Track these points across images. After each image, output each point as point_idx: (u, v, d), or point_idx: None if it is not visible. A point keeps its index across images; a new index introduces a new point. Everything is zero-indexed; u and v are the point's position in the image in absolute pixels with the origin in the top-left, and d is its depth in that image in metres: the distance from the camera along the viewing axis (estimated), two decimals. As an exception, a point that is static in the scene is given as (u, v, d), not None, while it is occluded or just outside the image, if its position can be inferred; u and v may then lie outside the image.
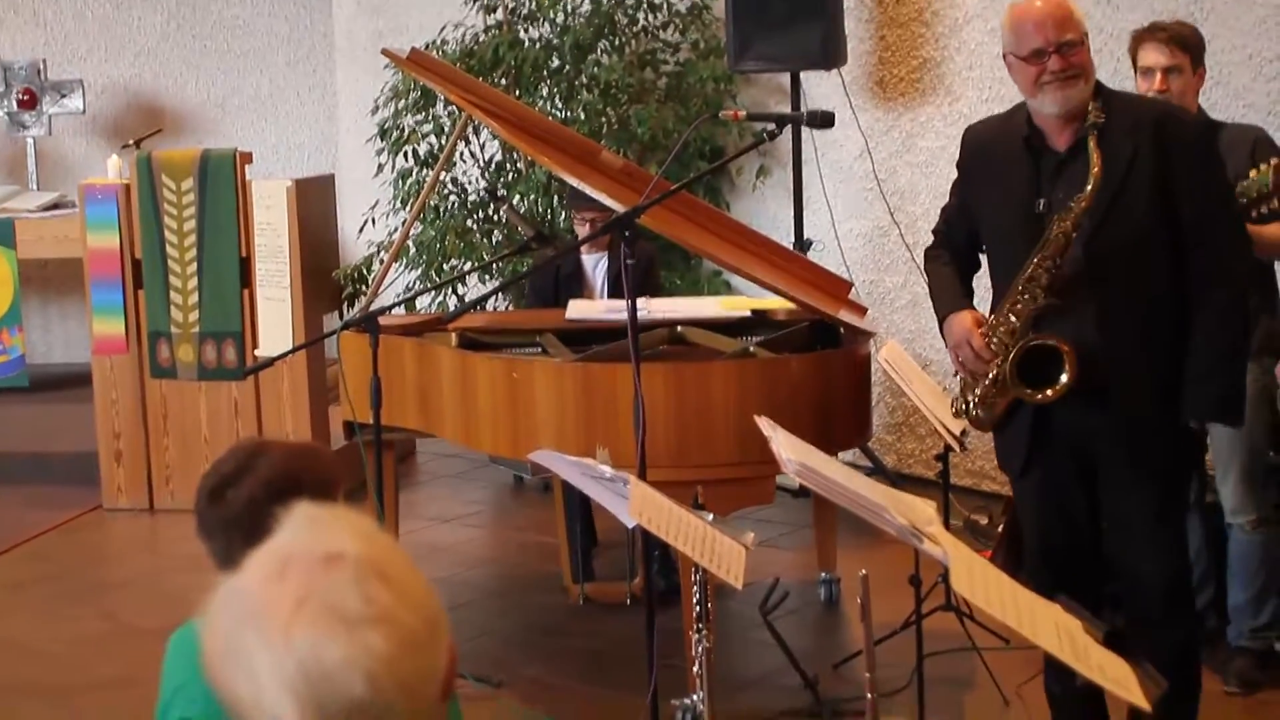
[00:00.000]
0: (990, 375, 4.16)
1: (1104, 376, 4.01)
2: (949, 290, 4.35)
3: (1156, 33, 4.88)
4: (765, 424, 3.55)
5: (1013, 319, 4.06)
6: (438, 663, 1.54)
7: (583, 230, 6.21)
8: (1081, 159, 3.96)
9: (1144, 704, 2.46)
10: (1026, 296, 4.03)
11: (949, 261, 4.39)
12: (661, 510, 3.77)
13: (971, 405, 4.28)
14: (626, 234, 4.30)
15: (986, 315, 4.18)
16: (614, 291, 6.29)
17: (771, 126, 4.27)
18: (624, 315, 5.47)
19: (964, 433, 4.98)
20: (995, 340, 4.10)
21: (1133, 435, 4.04)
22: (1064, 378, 4.00)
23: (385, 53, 5.52)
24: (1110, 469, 4.11)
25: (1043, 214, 4.02)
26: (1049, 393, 4.04)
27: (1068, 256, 3.99)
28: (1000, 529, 6.24)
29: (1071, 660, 2.46)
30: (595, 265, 6.36)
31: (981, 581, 2.54)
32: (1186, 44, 4.89)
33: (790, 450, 3.18)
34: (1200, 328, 3.97)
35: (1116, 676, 2.48)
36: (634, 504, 3.74)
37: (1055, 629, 2.51)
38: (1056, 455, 4.16)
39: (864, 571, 3.45)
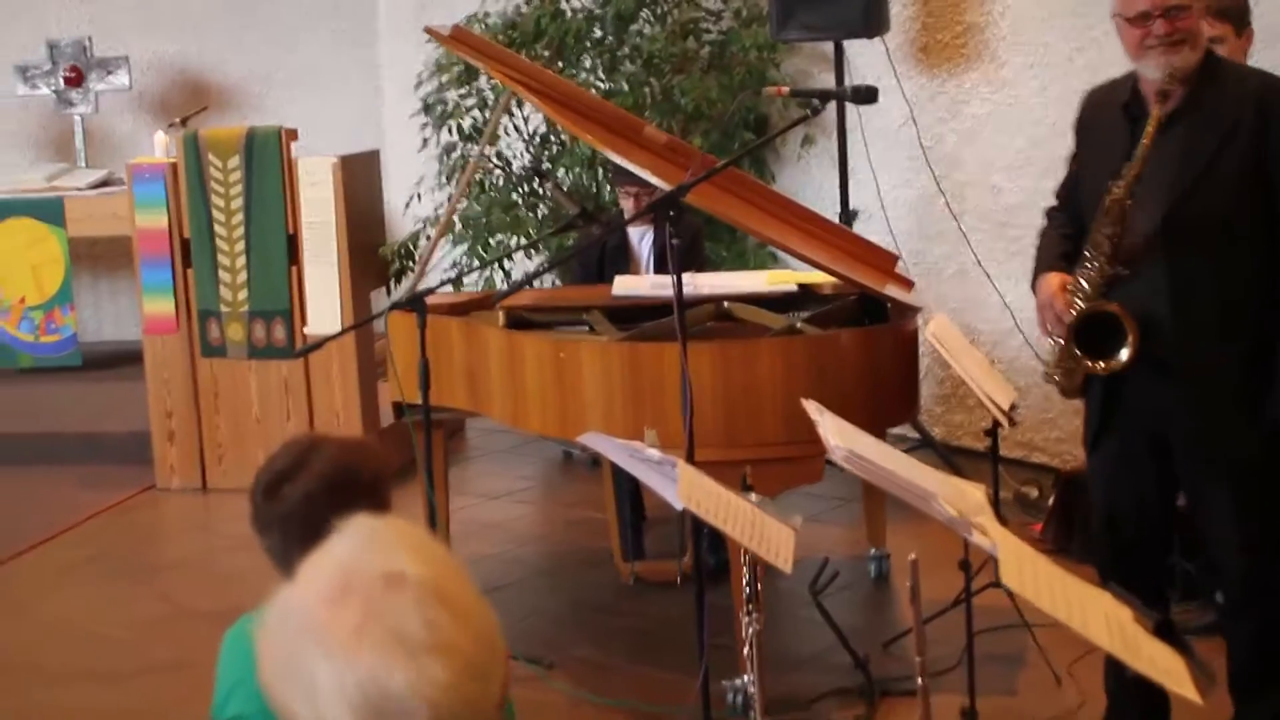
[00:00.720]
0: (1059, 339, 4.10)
1: (1173, 353, 3.94)
2: (1048, 253, 4.26)
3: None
4: (813, 408, 3.53)
5: (1085, 285, 4.00)
6: (495, 686, 1.55)
7: (627, 204, 6.19)
8: (1176, 128, 3.89)
9: (1195, 696, 2.44)
10: (1093, 265, 3.97)
11: (1061, 225, 4.30)
12: (709, 494, 3.77)
13: (1054, 369, 4.21)
14: (671, 213, 4.28)
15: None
16: (660, 265, 6.27)
17: (815, 103, 4.23)
18: (670, 291, 5.48)
19: (1014, 407, 4.94)
20: (1075, 305, 4.03)
21: (1206, 424, 3.97)
22: (1125, 351, 3.94)
23: (428, 30, 5.50)
24: (1185, 452, 4.04)
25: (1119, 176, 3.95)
26: (1103, 364, 3.99)
27: (1131, 225, 3.93)
28: (1051, 502, 6.22)
29: (1122, 653, 2.44)
30: (641, 238, 6.34)
31: (1031, 574, 2.52)
32: (1224, 12, 4.77)
33: (838, 436, 3.17)
34: None
35: (1168, 668, 2.46)
36: (682, 488, 3.74)
37: (1105, 621, 2.50)
38: (1128, 429, 4.10)
39: (913, 556, 3.43)
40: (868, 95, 4.30)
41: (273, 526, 2.68)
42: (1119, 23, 3.99)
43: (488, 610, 1.59)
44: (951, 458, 6.89)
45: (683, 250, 5.73)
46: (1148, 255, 3.95)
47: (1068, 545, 6.07)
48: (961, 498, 3.10)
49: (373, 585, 1.51)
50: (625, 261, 6.31)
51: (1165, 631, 2.59)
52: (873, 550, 6.00)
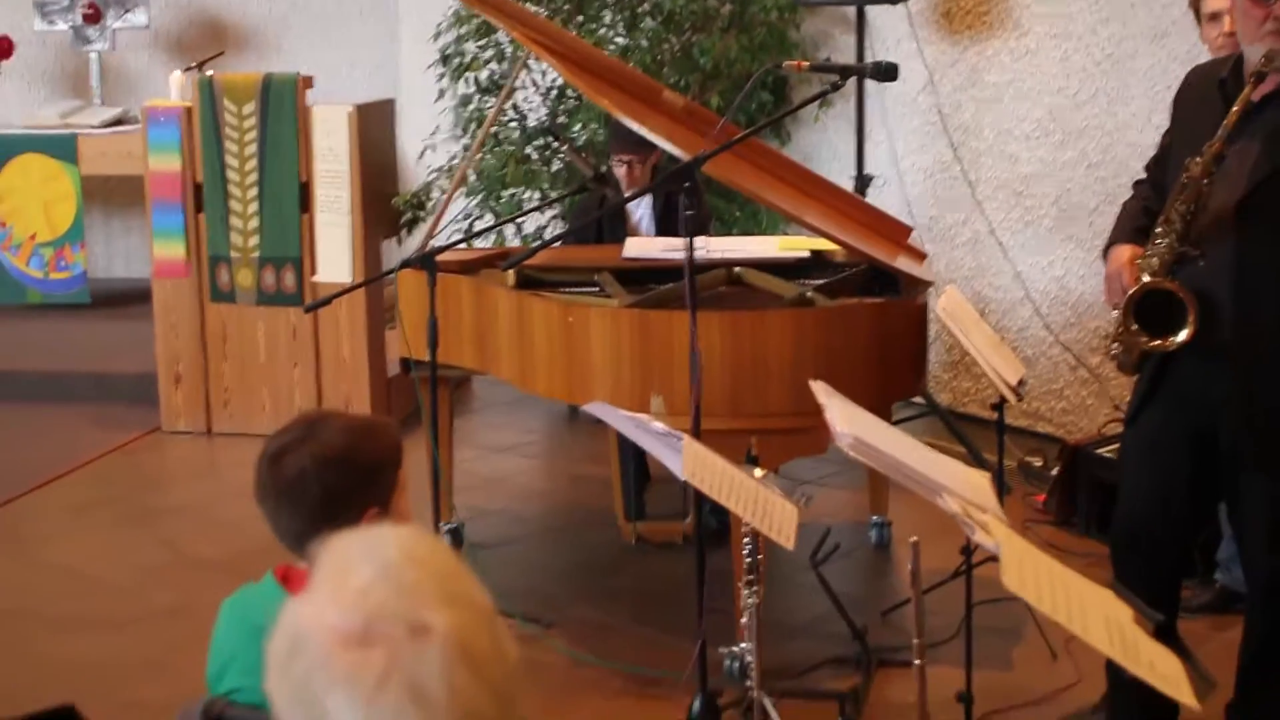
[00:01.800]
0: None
1: (1230, 339, 3.87)
2: (1123, 224, 4.18)
3: None
4: (821, 390, 3.52)
5: (1154, 260, 3.94)
6: None
7: (620, 171, 6.16)
8: (1270, 111, 3.81)
9: (1193, 702, 2.44)
10: (1163, 241, 3.91)
11: (1145, 196, 4.21)
12: (714, 469, 3.77)
13: (1113, 341, 4.14)
14: (686, 184, 4.26)
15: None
16: (660, 229, 6.25)
17: (836, 79, 4.20)
18: (681, 254, 5.46)
19: (1022, 383, 4.93)
20: (1143, 278, 3.96)
21: (1254, 414, 3.89)
22: (1184, 332, 3.87)
23: (445, -12, 5.47)
24: (1232, 441, 3.95)
25: (1219, 160, 3.84)
26: (1159, 342, 3.93)
27: (1206, 205, 3.87)
28: (1055, 473, 6.22)
29: (1121, 657, 2.44)
30: (637, 203, 6.31)
31: (1032, 575, 2.52)
32: None
33: (844, 422, 3.16)
34: None
35: (1166, 673, 2.46)
36: (686, 463, 3.74)
37: (1105, 623, 2.49)
38: (1172, 412, 4.03)
39: (915, 538, 3.43)
40: (887, 72, 4.26)
41: (268, 499, 2.68)
42: (1239, 1, 3.87)
43: (508, 651, 1.57)
44: (957, 425, 6.88)
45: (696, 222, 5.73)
46: (1218, 237, 3.86)
47: (1070, 517, 6.08)
48: (966, 485, 3.10)
49: (397, 635, 1.49)
50: (623, 226, 6.28)
51: (1166, 635, 2.59)
52: (874, 517, 6.01)
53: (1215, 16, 4.69)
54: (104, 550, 6.13)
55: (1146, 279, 3.92)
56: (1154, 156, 4.31)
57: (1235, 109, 3.77)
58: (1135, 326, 3.91)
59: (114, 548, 6.16)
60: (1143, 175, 4.32)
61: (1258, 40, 3.80)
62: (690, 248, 4.26)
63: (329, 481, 2.63)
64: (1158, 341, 3.90)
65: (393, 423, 2.88)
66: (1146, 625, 2.61)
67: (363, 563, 1.58)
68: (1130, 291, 3.93)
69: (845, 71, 4.29)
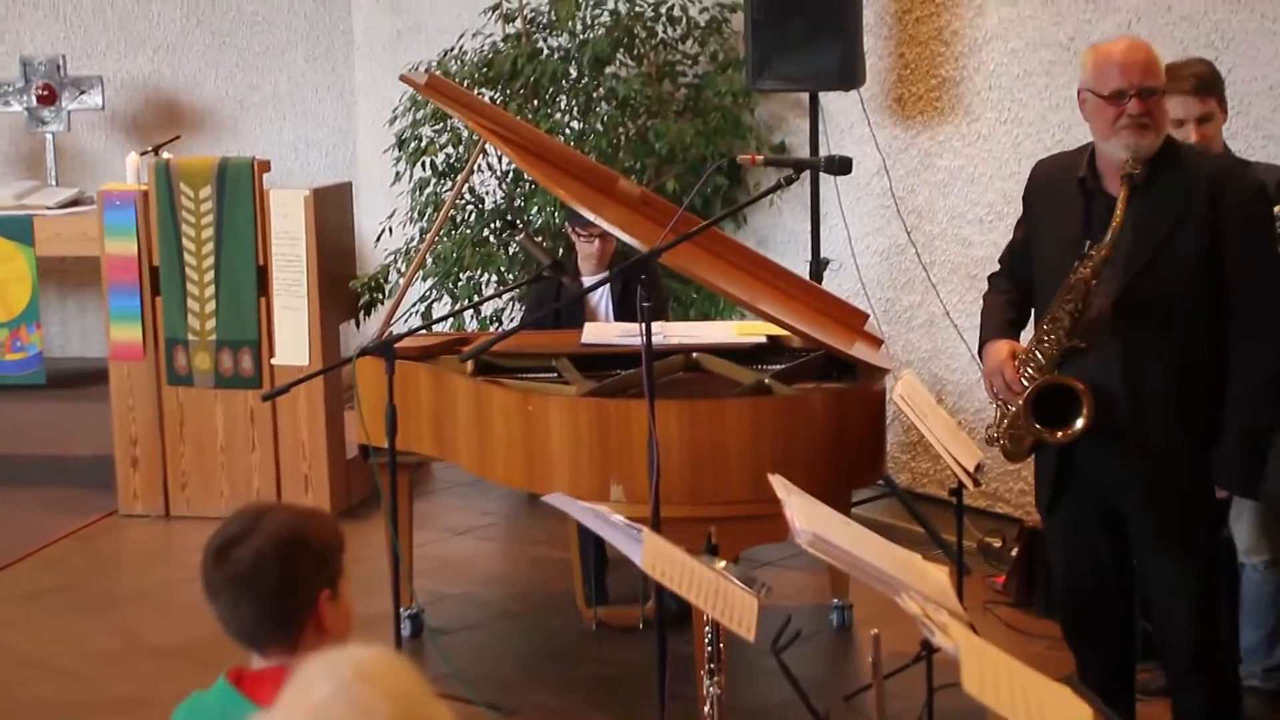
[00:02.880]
0: (1013, 408, 4.19)
1: (1125, 428, 4.02)
2: (994, 318, 4.39)
3: (1180, 81, 4.61)
4: (780, 485, 3.55)
5: (1039, 356, 4.08)
6: None
7: (587, 248, 6.19)
8: (1131, 207, 3.94)
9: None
10: (1051, 338, 4.06)
11: (1006, 290, 4.42)
12: (674, 562, 3.78)
13: (1001, 434, 4.30)
14: (643, 276, 4.30)
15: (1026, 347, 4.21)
16: (620, 314, 6.26)
17: (790, 173, 4.26)
18: (639, 340, 5.49)
19: (979, 468, 4.97)
20: (1027, 374, 4.12)
21: (1151, 498, 4.05)
22: (1079, 422, 4.03)
23: (404, 79, 5.52)
24: (1134, 524, 4.13)
25: (1085, 255, 4.02)
26: (1061, 434, 4.07)
27: (1091, 301, 4.00)
28: (1015, 553, 6.26)
29: (1081, 759, 2.46)
30: (598, 290, 6.31)
31: (992, 678, 2.54)
32: (1213, 86, 4.78)
33: (804, 518, 3.19)
34: (1234, 399, 3.99)
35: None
36: (647, 556, 3.75)
37: (1066, 725, 2.52)
38: (1082, 498, 4.20)
39: (875, 631, 3.45)
40: (841, 167, 4.33)
41: (222, 592, 2.67)
42: (1088, 98, 4.07)
43: None
44: (916, 506, 6.91)
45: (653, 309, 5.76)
46: (1103, 329, 4.02)
47: (1030, 598, 6.11)
48: (926, 582, 3.13)
49: None
50: (581, 312, 6.28)
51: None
52: (835, 600, 6.03)
53: (1178, 124, 4.71)
54: (60, 638, 6.09)
55: (1029, 376, 4.11)
56: (1007, 249, 4.50)
57: (1119, 210, 3.92)
58: (1036, 423, 4.05)
59: (71, 635, 6.11)
60: (995, 269, 4.49)
61: (1112, 136, 4.00)
62: (648, 338, 4.29)
63: (286, 564, 2.64)
64: (1058, 433, 4.03)
65: (327, 512, 2.92)
66: (1106, 725, 2.64)
67: (321, 681, 1.62)
68: (1023, 388, 4.10)
69: (799, 165, 4.36)
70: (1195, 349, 4.01)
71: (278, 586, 2.63)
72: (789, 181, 4.27)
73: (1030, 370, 4.12)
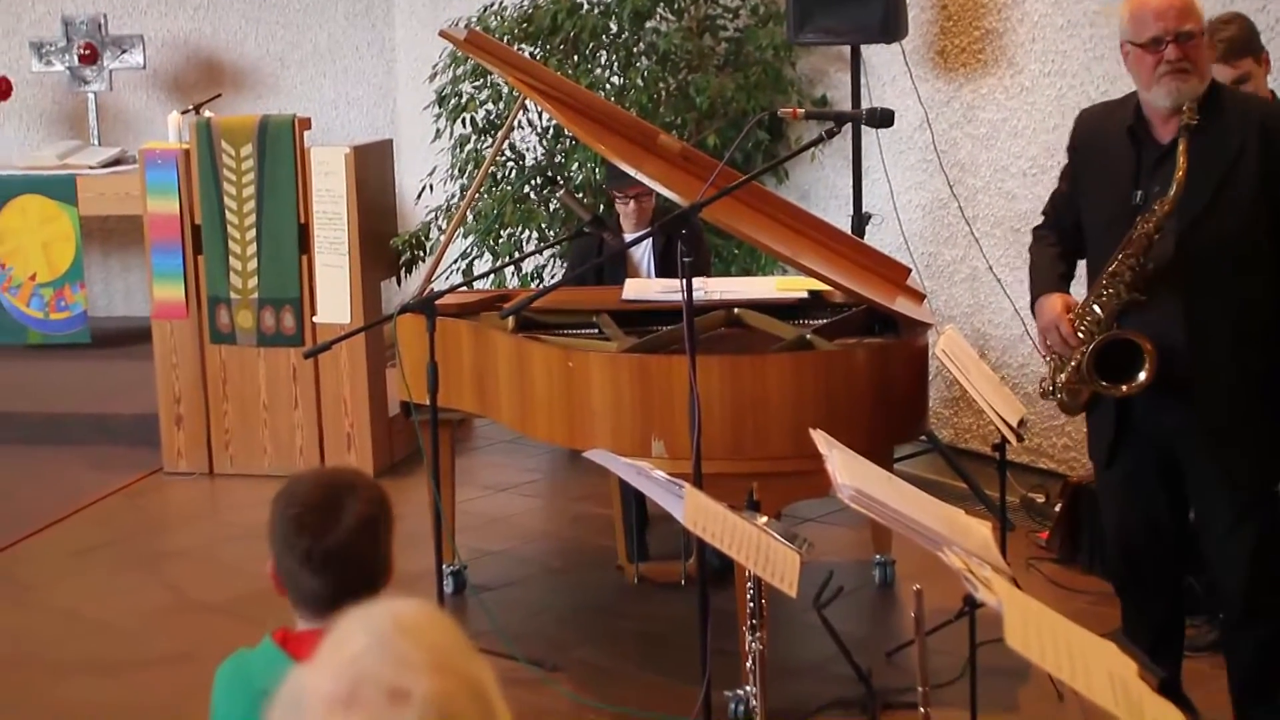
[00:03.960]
0: (1073, 363, 4.15)
1: (1187, 377, 4.00)
2: (1045, 272, 4.35)
3: (1209, 49, 4.51)
4: (821, 440, 3.54)
5: (1098, 310, 4.05)
6: None
7: (625, 209, 6.16)
8: (1175, 153, 3.91)
9: (1197, 758, 2.45)
10: (1110, 291, 4.03)
11: (1054, 243, 4.39)
12: (716, 518, 3.77)
13: (1058, 388, 4.27)
14: (684, 231, 4.28)
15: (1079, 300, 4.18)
16: (661, 270, 6.24)
17: (831, 126, 4.23)
18: (680, 296, 5.47)
19: (1022, 423, 4.94)
20: (1083, 328, 4.09)
21: (1214, 443, 4.03)
22: (1142, 375, 4.00)
23: (443, 34, 5.49)
24: (1194, 472, 4.11)
25: (1138, 206, 4.02)
26: (1125, 388, 4.04)
27: (1153, 254, 3.97)
28: (1058, 509, 6.23)
29: (1125, 714, 2.44)
30: (640, 248, 6.30)
31: (1035, 633, 2.53)
32: (1245, 46, 4.74)
33: (845, 473, 3.17)
34: None
35: (1170, 729, 2.47)
36: (688, 512, 3.75)
37: (1109, 679, 2.50)
38: (1140, 450, 4.18)
39: (917, 587, 3.45)
40: (883, 119, 4.30)
41: (327, 559, 2.64)
42: (1128, 49, 4.05)
43: None
44: (959, 462, 6.88)
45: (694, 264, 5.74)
46: (1163, 281, 3.98)
47: (1074, 555, 6.08)
48: (968, 537, 3.11)
49: (378, 699, 1.52)
50: (623, 267, 6.27)
51: (1169, 690, 2.60)
52: (878, 556, 6.01)
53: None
54: (106, 594, 6.14)
55: (1085, 330, 4.08)
56: (1051, 201, 4.45)
57: (1182, 162, 3.87)
58: (1097, 375, 4.02)
59: (116, 592, 6.16)
60: (1038, 222, 4.45)
61: (1154, 84, 3.97)
62: (688, 294, 4.28)
63: (381, 537, 2.66)
64: (1124, 388, 4.00)
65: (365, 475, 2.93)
66: (1151, 680, 2.62)
67: (360, 633, 1.62)
68: (1077, 341, 4.08)
69: (841, 118, 4.33)
70: (1256, 292, 4.00)
71: (374, 559, 2.65)
72: (830, 135, 4.24)
73: (1087, 324, 4.09)
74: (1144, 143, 4.04)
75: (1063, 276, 4.31)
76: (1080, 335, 4.11)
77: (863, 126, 7.10)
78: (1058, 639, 2.56)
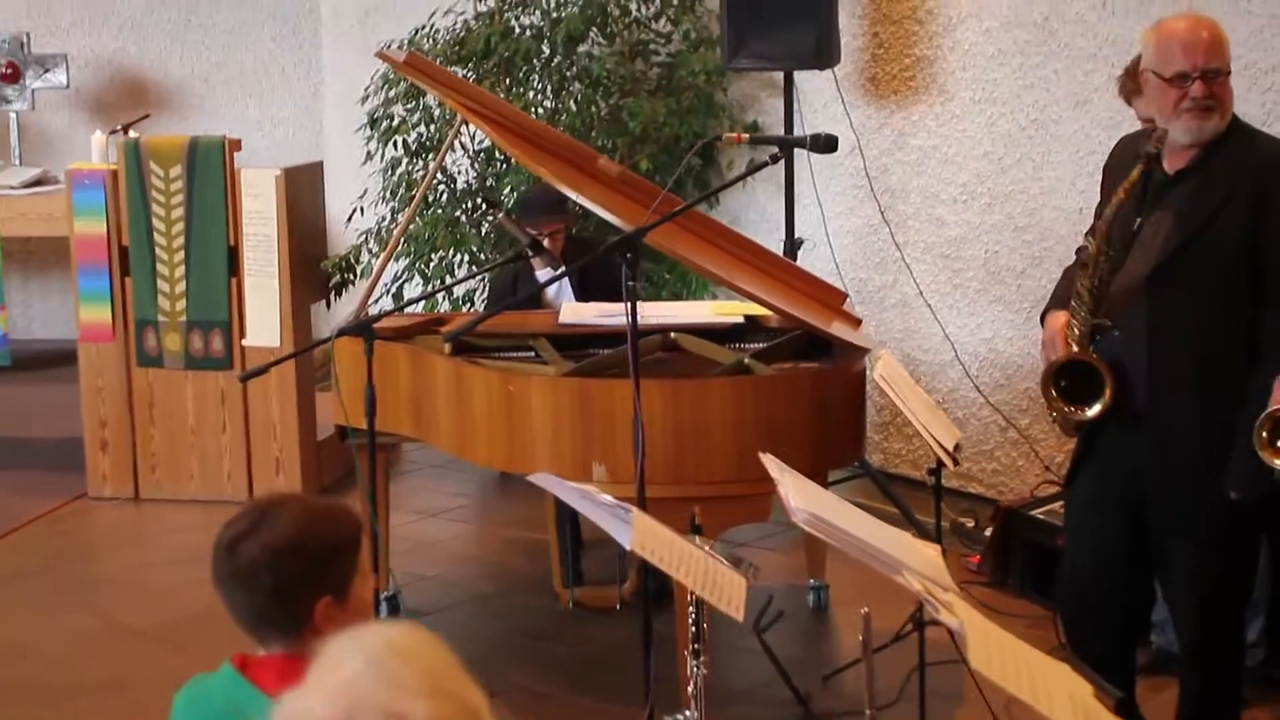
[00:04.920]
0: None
1: (1147, 408, 3.99)
2: (1060, 289, 4.31)
3: None
4: (772, 465, 3.54)
5: (1076, 331, 4.04)
6: None
7: (545, 244, 6.12)
8: (1182, 186, 3.92)
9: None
10: (1080, 315, 4.01)
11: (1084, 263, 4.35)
12: (663, 541, 3.77)
13: (1052, 409, 4.24)
14: (629, 255, 4.28)
15: None
16: (582, 298, 6.19)
17: (775, 151, 4.25)
18: (616, 320, 5.46)
19: (958, 448, 4.98)
20: (1072, 346, 4.08)
21: (1171, 483, 4.01)
22: (1097, 405, 3.99)
23: (382, 55, 5.49)
24: (1152, 504, 4.07)
25: (1135, 233, 3.99)
26: (1084, 411, 4.02)
27: (1108, 278, 3.96)
28: (989, 534, 6.27)
29: (1087, 735, 2.47)
30: (549, 278, 6.26)
31: (998, 655, 2.54)
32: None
33: (799, 497, 3.18)
34: (1255, 396, 3.83)
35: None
36: (636, 536, 3.74)
37: (1070, 701, 2.52)
38: (1102, 476, 4.16)
39: (865, 609, 3.46)
40: (827, 144, 4.33)
41: (222, 586, 2.66)
42: (1151, 79, 3.97)
43: None
44: (890, 487, 6.92)
45: (610, 288, 5.72)
46: (1131, 308, 3.98)
47: (1004, 578, 6.13)
48: (921, 560, 3.13)
49: None
50: (539, 298, 6.22)
51: (1125, 711, 2.62)
52: (811, 580, 6.03)
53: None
54: (34, 621, 6.04)
55: (1074, 347, 4.02)
56: (1092, 225, 4.41)
57: (1122, 190, 3.91)
58: (1055, 396, 4.03)
59: (44, 619, 6.07)
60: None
61: (1174, 119, 3.91)
62: (633, 317, 4.28)
63: (279, 571, 2.60)
64: (1075, 411, 4.01)
65: (349, 508, 2.84)
66: (1108, 701, 2.64)
67: (352, 657, 1.61)
68: (1050, 364, 4.06)
69: (786, 144, 4.35)
70: (1223, 334, 3.93)
71: (271, 592, 2.60)
72: (775, 159, 4.25)
73: (1072, 344, 4.07)
74: (1153, 171, 3.99)
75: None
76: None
77: (795, 154, 7.15)
78: (1018, 661, 2.58)
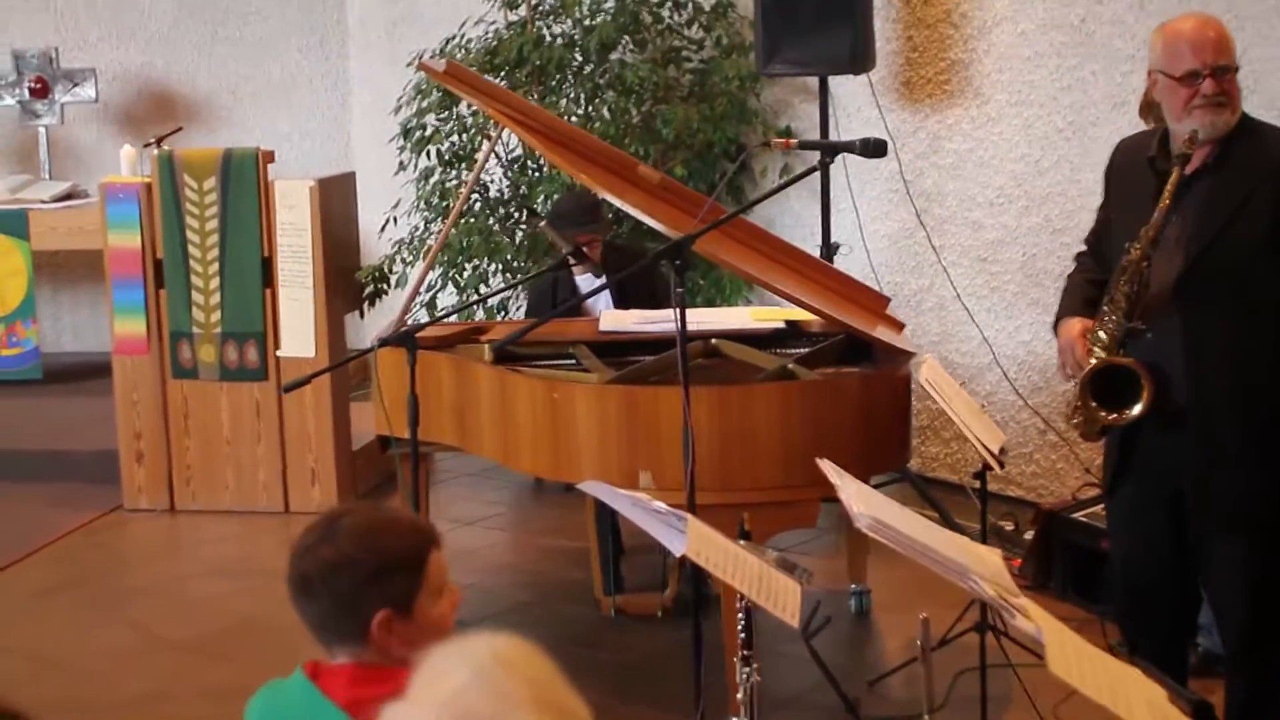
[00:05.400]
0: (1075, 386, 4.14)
1: (1186, 409, 3.98)
2: (1072, 296, 4.31)
3: None
4: (831, 470, 3.52)
5: (1103, 336, 4.02)
6: None
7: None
8: (1199, 185, 3.91)
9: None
10: (1112, 319, 4.00)
11: (1088, 269, 4.34)
12: (718, 548, 3.75)
13: (1074, 415, 4.24)
14: (677, 262, 4.26)
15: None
16: (620, 305, 6.21)
17: (826, 158, 4.23)
18: (656, 327, 5.46)
19: (1003, 450, 4.96)
20: (1096, 354, 4.07)
21: (1213, 479, 4.01)
22: (1138, 405, 3.97)
23: (423, 66, 5.47)
24: (1195, 502, 4.08)
25: (1157, 242, 3.96)
26: (1116, 416, 4.02)
27: (1146, 282, 3.95)
28: (1030, 536, 6.25)
29: (1167, 740, 2.44)
30: (589, 282, 6.26)
31: (1075, 658, 2.52)
32: None
33: (861, 503, 3.16)
34: None
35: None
36: (691, 542, 3.72)
37: (1148, 707, 2.50)
38: (1144, 479, 4.15)
39: (924, 615, 3.45)
40: (876, 150, 4.30)
41: (294, 595, 2.66)
42: (1161, 80, 3.98)
43: None
44: (929, 491, 6.90)
45: (648, 295, 5.71)
46: (1163, 310, 3.97)
47: (1046, 582, 6.10)
48: (984, 565, 3.10)
49: None
50: (578, 307, 6.24)
51: (1203, 714, 2.60)
52: (853, 585, 6.00)
53: None
54: (71, 635, 6.03)
55: (1098, 355, 4.03)
56: (1092, 229, 4.45)
57: (1166, 195, 3.88)
58: (1094, 403, 4.01)
59: (81, 632, 6.06)
60: (1083, 248, 4.43)
61: (1186, 117, 3.93)
62: (682, 324, 4.26)
63: (332, 585, 2.60)
64: (1114, 415, 3.99)
65: (418, 522, 2.80)
66: (1184, 706, 2.62)
67: (458, 668, 1.59)
68: (1085, 369, 4.04)
69: (834, 149, 4.32)
70: (1258, 333, 3.95)
71: (330, 606, 2.60)
72: (826, 164, 4.24)
73: (1098, 350, 4.06)
74: (1164, 174, 3.97)
75: (1088, 301, 4.22)
76: (1092, 360, 4.08)
77: (856, 156, 7.13)
78: (1095, 666, 2.56)
